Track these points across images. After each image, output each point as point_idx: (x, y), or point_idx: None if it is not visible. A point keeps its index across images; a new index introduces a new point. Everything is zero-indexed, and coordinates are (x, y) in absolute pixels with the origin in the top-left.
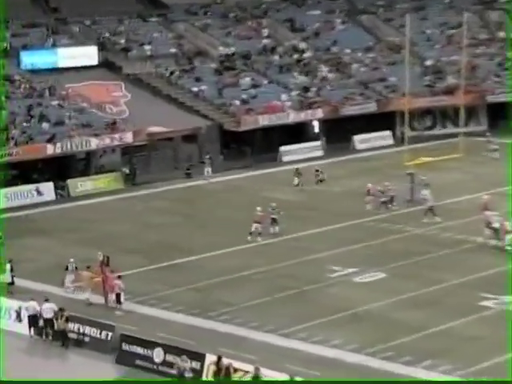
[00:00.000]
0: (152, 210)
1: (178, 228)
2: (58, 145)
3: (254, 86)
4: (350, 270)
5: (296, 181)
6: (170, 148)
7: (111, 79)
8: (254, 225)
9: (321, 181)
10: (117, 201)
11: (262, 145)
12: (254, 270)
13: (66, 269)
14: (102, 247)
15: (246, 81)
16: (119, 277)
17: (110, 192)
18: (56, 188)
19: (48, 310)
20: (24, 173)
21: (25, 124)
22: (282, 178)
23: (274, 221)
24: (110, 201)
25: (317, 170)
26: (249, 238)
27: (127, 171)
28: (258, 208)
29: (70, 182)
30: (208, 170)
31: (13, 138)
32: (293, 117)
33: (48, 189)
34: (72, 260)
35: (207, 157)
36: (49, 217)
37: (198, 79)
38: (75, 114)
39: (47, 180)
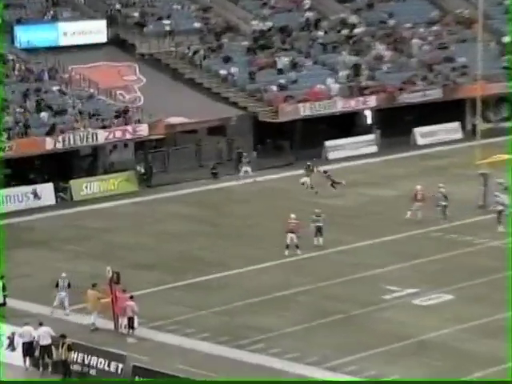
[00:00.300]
0: (171, 217)
1: (202, 239)
2: (60, 138)
3: (294, 68)
4: (410, 291)
5: (306, 180)
6: (193, 143)
7: (123, 60)
8: (289, 235)
9: (335, 183)
10: (129, 206)
11: (303, 139)
12: (294, 290)
13: (57, 285)
14: (111, 261)
15: (285, 62)
16: (132, 297)
17: (120, 195)
18: (56, 190)
19: (44, 335)
20: (18, 172)
21: (18, 110)
22: (328, 180)
23: (318, 230)
24: (120, 206)
25: (325, 172)
26: (286, 252)
27: (142, 170)
28: (292, 215)
29: (73, 183)
30: (247, 169)
31: (5, 130)
32: (341, 105)
33: (47, 191)
34: (64, 275)
35: (245, 154)
36: (48, 225)
37: (226, 60)
38: (80, 102)
39: (46, 181)
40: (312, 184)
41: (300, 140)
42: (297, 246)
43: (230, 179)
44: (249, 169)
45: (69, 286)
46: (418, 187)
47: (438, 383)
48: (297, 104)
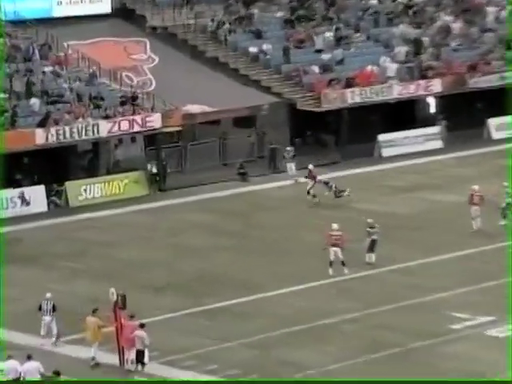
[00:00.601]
0: (189, 228)
1: (227, 254)
2: (53, 131)
3: (341, 45)
4: (483, 319)
5: (309, 186)
6: (217, 136)
7: (130, 35)
8: (332, 250)
9: (338, 195)
10: (138, 214)
11: (351, 132)
12: (339, 318)
13: (40, 309)
14: (115, 281)
15: (329, 37)
16: (142, 325)
17: (127, 201)
18: (49, 194)
19: (32, 371)
20: (3, 172)
21: (3, 95)
22: (381, 182)
23: (372, 244)
24: (127, 214)
25: (326, 183)
26: (330, 271)
27: (153, 170)
28: (335, 225)
29: (68, 185)
30: (291, 166)
31: None
32: (398, 91)
33: (37, 195)
34: (49, 295)
35: (288, 148)
36: (38, 236)
37: (258, 35)
38: (78, 86)
39: (36, 182)
40: (313, 191)
41: (347, 133)
42: (343, 263)
43: (261, 181)
44: (293, 165)
45: (53, 309)
46: (475, 187)
47: (437, 383)
48: (343, 89)
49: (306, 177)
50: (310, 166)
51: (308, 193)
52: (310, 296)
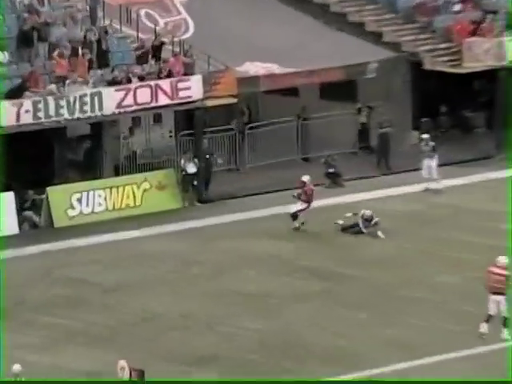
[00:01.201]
0: (248, 263)
1: (310, 307)
2: (28, 104)
3: None
4: None
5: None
6: (293, 114)
7: None
8: (493, 299)
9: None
10: (165, 239)
11: None
12: None
13: None
14: (128, 348)
15: None
16: None
17: (148, 218)
18: (22, 207)
19: None
20: None
21: None
22: None
23: None
24: (148, 239)
25: (367, 220)
26: (482, 328)
27: (190, 169)
28: (502, 258)
29: (52, 192)
30: (430, 163)
31: None
32: None
33: (4, 209)
34: (17, 369)
35: (424, 136)
36: (6, 276)
37: None
38: (69, 32)
39: (3, 188)
40: (302, 217)
41: (505, 111)
42: (505, 322)
43: (363, 187)
44: (433, 163)
45: None
46: None
47: (437, 383)
48: (499, 38)
49: (295, 196)
50: (305, 178)
51: (293, 217)
52: (444, 374)
